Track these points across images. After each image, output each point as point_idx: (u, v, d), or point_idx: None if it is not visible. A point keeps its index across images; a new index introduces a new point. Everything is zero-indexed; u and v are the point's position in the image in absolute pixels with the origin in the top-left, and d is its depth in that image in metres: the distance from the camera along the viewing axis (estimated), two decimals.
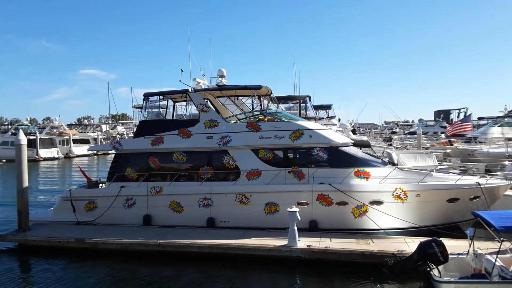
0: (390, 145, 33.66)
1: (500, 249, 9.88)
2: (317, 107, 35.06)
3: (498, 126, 37.86)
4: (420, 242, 9.75)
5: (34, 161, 49.89)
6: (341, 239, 11.84)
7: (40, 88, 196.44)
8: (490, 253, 9.84)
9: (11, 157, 48.89)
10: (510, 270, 9.14)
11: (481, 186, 12.60)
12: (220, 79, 17.79)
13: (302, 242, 11.45)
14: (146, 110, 15.50)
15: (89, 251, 12.08)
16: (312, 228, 12.80)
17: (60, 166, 47.09)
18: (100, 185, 15.28)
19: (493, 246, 10.17)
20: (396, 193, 12.52)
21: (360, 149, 18.44)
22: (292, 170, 13.30)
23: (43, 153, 51.41)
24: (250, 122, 13.95)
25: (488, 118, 45.14)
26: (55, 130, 60.03)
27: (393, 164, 13.83)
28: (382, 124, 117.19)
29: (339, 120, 35.94)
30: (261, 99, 16.96)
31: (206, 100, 17.26)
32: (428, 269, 9.27)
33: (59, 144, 55.47)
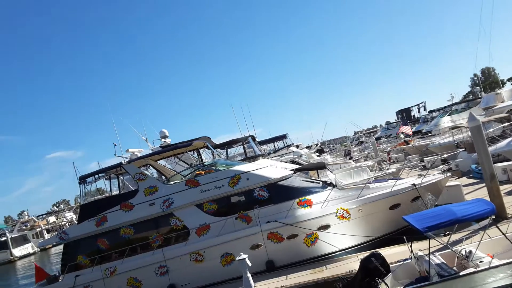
0: (350, 158, 34.40)
1: (436, 247, 10.23)
2: (273, 139, 35.92)
3: (448, 115, 39.51)
4: (360, 259, 9.94)
5: (9, 263, 47.97)
6: (297, 273, 11.89)
7: (8, 184, 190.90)
8: (432, 253, 10.14)
9: None
10: (452, 266, 9.40)
11: (417, 186, 13.07)
12: (163, 139, 18.14)
13: (260, 287, 11.42)
14: (85, 193, 15.44)
15: None
16: (270, 268, 12.83)
17: (39, 260, 45.29)
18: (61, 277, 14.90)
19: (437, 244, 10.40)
20: (339, 213, 12.81)
21: (307, 173, 18.95)
22: (239, 216, 13.42)
23: (17, 251, 49.50)
24: (188, 179, 14.12)
25: (438, 110, 46.96)
26: (26, 225, 58.14)
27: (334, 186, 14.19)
28: (352, 136, 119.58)
29: (297, 146, 36.67)
30: (199, 152, 17.25)
31: (146, 167, 17.46)
32: (375, 284, 9.41)
33: (33, 237, 53.58)
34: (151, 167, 18.21)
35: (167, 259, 13.22)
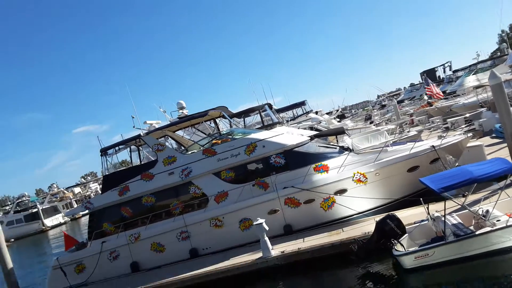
0: (371, 122, 33.89)
1: (453, 207, 10.17)
2: (291, 107, 35.61)
3: (473, 74, 37.99)
4: (376, 221, 10.01)
5: (42, 232, 50.52)
6: (314, 236, 12.11)
7: (38, 158, 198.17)
8: (449, 214, 10.11)
9: (18, 235, 49.81)
10: (469, 226, 9.37)
11: (436, 148, 12.85)
12: (180, 111, 18.25)
13: (277, 250, 11.73)
14: (107, 164, 15.86)
15: None
16: (288, 232, 13.08)
17: (69, 229, 47.56)
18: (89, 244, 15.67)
19: (453, 205, 10.33)
20: (356, 177, 12.79)
21: (326, 139, 18.84)
22: (256, 183, 13.60)
23: (49, 222, 52.06)
24: (205, 149, 14.30)
25: (463, 69, 45.15)
26: (56, 197, 60.71)
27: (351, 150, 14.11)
28: (375, 100, 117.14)
29: (316, 112, 36.31)
30: (216, 122, 17.36)
31: (165, 138, 17.72)
32: (391, 245, 9.52)
33: (63, 208, 56.05)
34: (169, 138, 18.47)
35: (187, 225, 13.66)
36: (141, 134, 15.19)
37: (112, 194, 14.63)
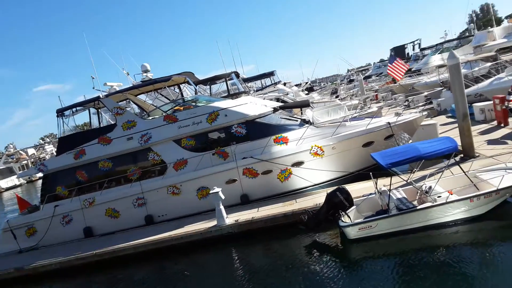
0: (337, 96, 34.31)
1: (402, 182, 10.61)
2: (260, 76, 35.38)
3: (438, 53, 38.91)
4: (327, 193, 10.34)
5: None
6: (269, 206, 12.39)
7: None
8: (395, 188, 10.56)
9: None
10: (413, 201, 9.83)
11: (391, 125, 13.23)
12: (144, 74, 17.68)
13: (231, 218, 11.94)
14: (64, 125, 15.34)
15: (32, 277, 12.28)
16: (244, 201, 13.31)
17: (24, 192, 46.26)
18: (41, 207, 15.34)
19: (399, 180, 10.80)
20: (313, 150, 13.05)
21: (291, 111, 18.97)
22: (216, 152, 13.61)
23: (3, 183, 50.20)
24: (167, 115, 14.08)
25: (430, 48, 46.10)
26: (12, 158, 58.47)
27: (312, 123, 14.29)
28: (345, 74, 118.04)
29: (284, 84, 36.27)
30: (180, 88, 17.03)
31: (127, 101, 17.27)
32: (339, 216, 9.90)
33: (19, 170, 54.11)
34: (131, 102, 18.03)
35: (144, 191, 13.59)
36: (100, 96, 14.71)
37: (67, 157, 14.26)
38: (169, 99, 17.78)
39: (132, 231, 13.39)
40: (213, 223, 11.96)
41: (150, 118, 14.61)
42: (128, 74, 18.16)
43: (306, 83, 51.68)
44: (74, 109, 15.42)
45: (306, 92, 41.97)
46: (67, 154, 14.29)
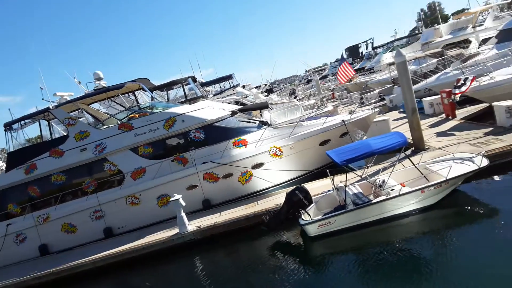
0: (295, 97, 34.86)
1: (357, 178, 10.92)
2: (218, 80, 35.34)
3: (389, 51, 40.44)
4: (286, 192, 10.47)
5: None
6: (231, 209, 12.35)
7: None
8: (352, 184, 10.86)
9: None
10: (368, 195, 10.13)
11: (345, 123, 13.60)
12: (97, 82, 17.16)
13: (193, 225, 11.82)
14: (12, 140, 14.61)
15: None
16: (206, 207, 13.22)
17: None
18: None
19: (355, 176, 11.10)
20: (272, 151, 13.18)
21: (251, 113, 19.06)
22: (175, 158, 13.43)
23: None
24: (122, 123, 13.74)
25: (381, 46, 47.86)
26: None
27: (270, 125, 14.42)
28: (303, 75, 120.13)
29: (243, 86, 36.45)
30: (135, 94, 16.70)
31: (79, 111, 16.71)
32: (299, 215, 10.04)
33: None
34: (84, 112, 17.44)
35: (101, 203, 13.19)
36: (50, 107, 14.14)
37: (18, 172, 13.60)
38: (124, 107, 17.39)
39: (90, 246, 12.95)
40: (175, 231, 11.78)
41: (104, 127, 14.21)
42: (80, 82, 17.59)
43: (265, 85, 52.28)
44: (22, 122, 14.70)
45: (266, 93, 42.40)
46: (17, 169, 13.64)
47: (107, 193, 13.34)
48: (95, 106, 17.67)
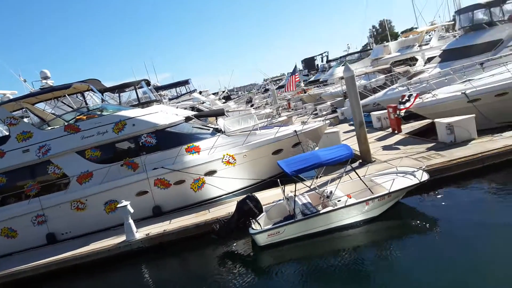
0: (252, 105, 35.22)
1: (306, 189, 11.21)
2: (175, 85, 34.95)
3: (342, 65, 41.94)
4: (237, 201, 10.54)
5: None
6: (182, 217, 12.22)
7: None
8: (302, 194, 11.11)
9: None
10: (316, 205, 10.42)
11: (297, 133, 13.94)
12: (44, 81, 16.34)
13: (142, 232, 11.55)
14: None
15: None
16: (157, 214, 12.98)
17: None
18: None
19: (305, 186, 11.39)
20: (225, 159, 13.21)
21: (206, 120, 18.99)
22: (124, 163, 13.09)
23: None
24: (68, 125, 13.19)
25: (335, 60, 49.58)
26: None
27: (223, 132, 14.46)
28: (261, 83, 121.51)
29: (200, 92, 36.27)
30: (84, 95, 16.12)
31: (22, 111, 15.87)
32: (249, 224, 10.12)
33: None
34: (29, 112, 16.54)
35: (44, 208, 12.58)
36: None
37: None
38: (72, 108, 16.71)
39: (32, 252, 12.31)
40: (122, 238, 11.46)
41: (49, 128, 13.59)
42: (25, 81, 16.68)
43: (223, 91, 52.21)
44: None
45: (223, 100, 42.41)
46: None
47: (51, 197, 12.73)
48: (41, 106, 16.84)
